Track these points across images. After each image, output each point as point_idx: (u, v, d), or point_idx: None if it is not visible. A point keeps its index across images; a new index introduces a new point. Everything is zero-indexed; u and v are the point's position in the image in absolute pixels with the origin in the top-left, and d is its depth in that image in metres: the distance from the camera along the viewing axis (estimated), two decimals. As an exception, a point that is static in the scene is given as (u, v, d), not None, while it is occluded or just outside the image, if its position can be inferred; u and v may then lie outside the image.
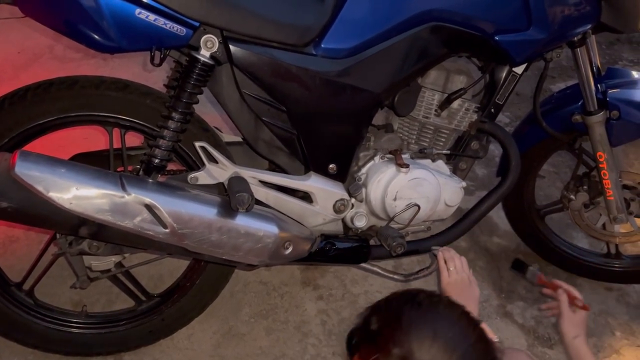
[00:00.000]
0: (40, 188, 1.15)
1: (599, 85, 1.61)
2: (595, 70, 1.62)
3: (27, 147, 1.32)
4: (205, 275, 1.58)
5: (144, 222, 1.24)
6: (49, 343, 1.52)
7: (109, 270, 1.48)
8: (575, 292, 1.31)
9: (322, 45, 1.31)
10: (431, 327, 0.77)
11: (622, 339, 1.81)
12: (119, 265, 1.50)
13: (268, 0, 1.27)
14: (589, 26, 1.48)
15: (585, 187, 1.80)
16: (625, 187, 1.75)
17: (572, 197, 1.82)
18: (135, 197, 1.22)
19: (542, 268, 2.02)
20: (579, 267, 1.97)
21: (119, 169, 1.41)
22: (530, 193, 1.93)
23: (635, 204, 1.76)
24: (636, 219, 1.80)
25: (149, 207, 1.24)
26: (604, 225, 1.83)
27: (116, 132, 1.38)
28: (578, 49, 1.55)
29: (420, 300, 0.82)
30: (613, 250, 1.92)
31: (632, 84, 1.67)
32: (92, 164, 1.28)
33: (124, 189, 1.22)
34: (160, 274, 1.87)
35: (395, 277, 1.66)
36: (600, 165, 1.67)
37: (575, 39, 1.52)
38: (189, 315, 1.65)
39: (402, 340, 0.76)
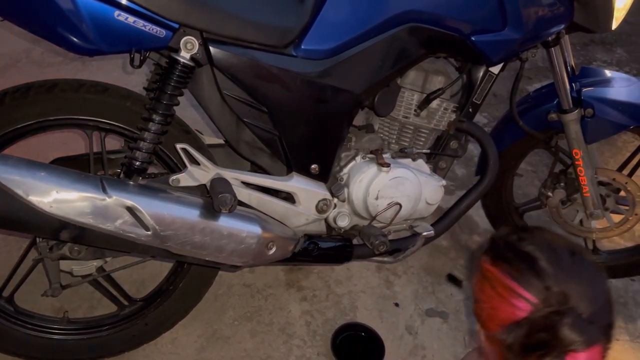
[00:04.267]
0: (20, 192, 1.14)
1: (573, 84, 1.65)
2: (569, 69, 1.65)
3: (6, 152, 1.30)
4: (188, 279, 1.58)
5: (125, 224, 1.24)
6: (30, 350, 1.49)
7: (90, 275, 1.47)
8: None
9: (302, 47, 1.32)
10: (593, 288, 0.78)
11: (601, 333, 1.84)
12: (101, 269, 1.48)
13: (248, 1, 1.28)
14: (563, 26, 1.52)
15: (562, 184, 1.84)
16: (600, 183, 1.79)
17: (550, 194, 1.85)
18: (116, 199, 1.22)
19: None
20: (557, 263, 2.00)
21: (99, 173, 1.40)
22: (508, 191, 1.97)
23: (611, 200, 1.81)
24: (612, 215, 1.83)
25: (130, 210, 1.23)
26: (581, 222, 1.87)
27: (96, 135, 1.37)
28: (552, 49, 1.58)
29: (587, 259, 0.82)
30: (590, 246, 1.96)
31: (605, 82, 1.71)
32: (72, 168, 1.27)
33: (105, 191, 1.21)
34: (142, 278, 1.86)
35: (385, 259, 1.66)
36: (576, 163, 1.71)
37: (550, 38, 1.56)
38: (173, 319, 1.64)
39: (567, 284, 0.77)
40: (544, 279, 0.76)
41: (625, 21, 1.58)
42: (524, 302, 0.76)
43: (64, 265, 1.42)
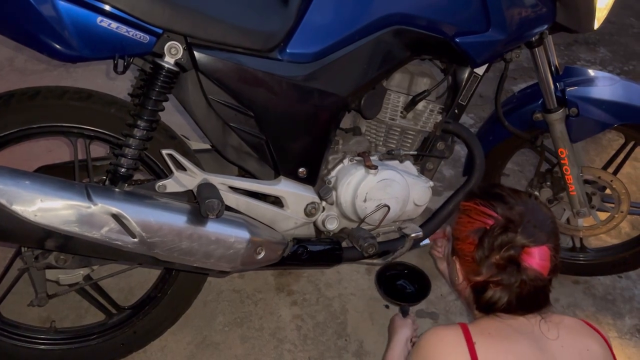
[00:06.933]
0: (3, 201, 1.12)
1: (557, 84, 1.67)
2: (553, 69, 1.67)
3: (-11, 161, 1.29)
4: (176, 285, 1.57)
5: (111, 232, 1.22)
6: (17, 361, 1.48)
7: (77, 284, 1.45)
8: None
9: (288, 50, 1.32)
10: (542, 215, 1.07)
11: (590, 330, 1.85)
12: (88, 278, 1.47)
13: (232, 6, 1.28)
14: (545, 26, 1.53)
15: (548, 183, 1.85)
16: (586, 181, 1.80)
17: (536, 193, 1.86)
18: (102, 207, 1.21)
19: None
20: (546, 262, 2.01)
21: (84, 181, 1.39)
22: (496, 191, 1.97)
23: (597, 198, 1.82)
24: (598, 213, 1.85)
25: (116, 217, 1.22)
26: (568, 220, 1.88)
27: (80, 142, 1.36)
28: (536, 49, 1.60)
29: (539, 201, 1.16)
30: (578, 244, 1.97)
31: (589, 81, 1.72)
32: (57, 176, 1.26)
33: (90, 199, 1.20)
34: (130, 286, 1.85)
35: (375, 261, 1.65)
36: (562, 162, 1.72)
37: (533, 39, 1.57)
38: (162, 327, 1.63)
39: (524, 208, 1.05)
40: (507, 204, 1.06)
41: (607, 21, 1.60)
42: (492, 219, 1.05)
43: (50, 274, 1.40)
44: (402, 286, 1.63)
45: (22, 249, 1.36)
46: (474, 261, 1.05)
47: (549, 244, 1.02)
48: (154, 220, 1.25)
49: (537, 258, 1.01)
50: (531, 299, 1.04)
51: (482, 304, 1.08)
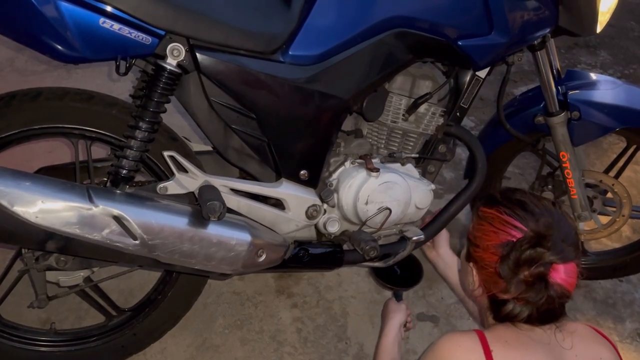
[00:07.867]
0: (4, 202, 1.12)
1: (559, 87, 1.67)
2: (555, 72, 1.67)
3: (-11, 162, 1.28)
4: (177, 288, 1.56)
5: (112, 234, 1.22)
6: (17, 363, 1.47)
7: (77, 286, 1.44)
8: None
9: (290, 53, 1.31)
10: (566, 225, 1.03)
11: (591, 334, 1.85)
12: (88, 280, 1.46)
13: (235, 8, 1.27)
14: (548, 30, 1.53)
15: (549, 186, 1.85)
16: (588, 185, 1.80)
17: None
18: (103, 209, 1.20)
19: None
20: (546, 265, 2.01)
21: (85, 182, 1.38)
22: (497, 194, 1.97)
23: (598, 202, 1.82)
24: (599, 216, 1.85)
25: (117, 219, 1.22)
26: (569, 223, 1.88)
27: (82, 144, 1.35)
28: (538, 52, 1.60)
29: (561, 208, 1.09)
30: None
31: (591, 85, 1.72)
32: (58, 177, 1.25)
33: (91, 201, 1.20)
34: (130, 288, 1.84)
35: (376, 264, 1.66)
36: (564, 165, 1.72)
37: (535, 42, 1.57)
38: (162, 329, 1.62)
39: (550, 218, 1.01)
40: (533, 215, 1.02)
41: (608, 24, 1.60)
42: (518, 231, 1.01)
43: (51, 276, 1.40)
44: (395, 271, 1.66)
45: (23, 250, 1.35)
46: (498, 275, 1.01)
47: (576, 260, 1.00)
48: (155, 222, 1.25)
49: (564, 274, 0.98)
50: (551, 312, 1.02)
51: (501, 316, 1.05)
